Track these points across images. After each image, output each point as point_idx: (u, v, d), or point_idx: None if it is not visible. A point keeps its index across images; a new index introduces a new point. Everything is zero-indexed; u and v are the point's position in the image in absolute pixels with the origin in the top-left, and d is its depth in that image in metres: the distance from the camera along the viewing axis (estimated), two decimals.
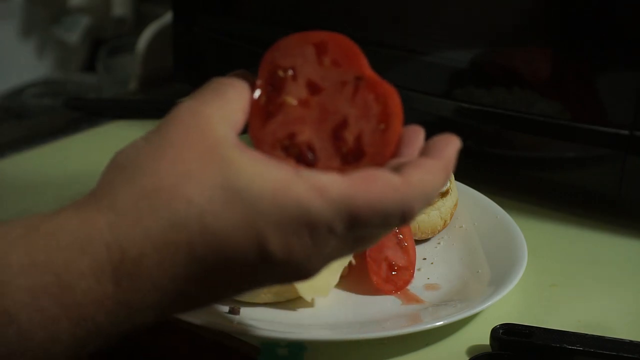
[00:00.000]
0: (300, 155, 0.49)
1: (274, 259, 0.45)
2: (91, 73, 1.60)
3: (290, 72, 0.50)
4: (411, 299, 0.70)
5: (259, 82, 0.50)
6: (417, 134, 0.51)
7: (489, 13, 0.85)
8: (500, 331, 0.65)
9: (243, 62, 1.01)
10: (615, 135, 0.78)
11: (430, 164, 0.48)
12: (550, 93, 0.82)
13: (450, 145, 0.50)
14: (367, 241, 0.49)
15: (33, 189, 0.88)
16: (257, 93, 0.49)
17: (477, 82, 0.85)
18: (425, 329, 0.65)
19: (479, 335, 0.67)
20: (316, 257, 0.46)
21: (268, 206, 0.44)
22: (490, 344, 0.65)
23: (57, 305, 0.42)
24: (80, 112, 1.05)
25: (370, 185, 0.45)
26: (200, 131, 0.46)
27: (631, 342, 0.64)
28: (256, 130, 0.49)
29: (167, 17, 1.12)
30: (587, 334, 0.65)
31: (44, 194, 0.87)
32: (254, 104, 0.49)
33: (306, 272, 0.47)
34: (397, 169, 0.47)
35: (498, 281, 0.70)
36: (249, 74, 0.50)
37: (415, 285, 0.72)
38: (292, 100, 0.50)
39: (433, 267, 0.75)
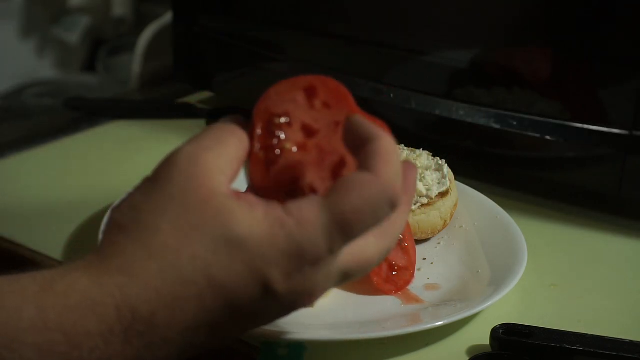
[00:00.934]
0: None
1: (279, 296, 0.47)
2: (91, 73, 1.60)
3: (285, 119, 0.51)
4: (411, 299, 0.70)
5: (257, 131, 0.50)
6: (410, 172, 0.53)
7: (489, 13, 0.85)
8: (500, 331, 0.65)
9: (243, 62, 1.01)
10: (615, 135, 0.78)
11: (377, 145, 0.49)
12: (550, 93, 0.82)
13: (370, 124, 0.50)
14: (373, 258, 0.51)
15: (33, 189, 0.88)
16: (257, 146, 0.50)
17: (477, 82, 0.85)
18: (425, 329, 0.65)
19: (479, 335, 0.67)
20: (322, 280, 0.48)
21: (268, 250, 0.46)
22: (490, 344, 0.65)
23: None
24: (80, 112, 1.05)
25: (349, 192, 0.47)
26: (198, 182, 0.47)
27: (631, 342, 0.64)
28: (260, 180, 0.50)
29: (167, 17, 1.12)
30: (587, 334, 0.65)
31: (44, 194, 0.87)
32: (254, 155, 0.50)
33: (312, 295, 0.48)
34: (362, 167, 0.49)
35: (498, 281, 0.70)
36: (244, 119, 0.51)
37: (415, 285, 0.72)
38: (291, 146, 0.51)
39: (433, 267, 0.75)
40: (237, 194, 0.48)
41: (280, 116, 0.51)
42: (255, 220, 0.46)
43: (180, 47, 1.05)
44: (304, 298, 0.48)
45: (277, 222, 0.46)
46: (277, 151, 0.50)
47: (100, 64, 1.46)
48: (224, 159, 0.48)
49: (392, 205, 0.48)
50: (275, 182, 0.50)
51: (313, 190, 0.50)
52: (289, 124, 0.51)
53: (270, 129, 0.51)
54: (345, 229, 0.47)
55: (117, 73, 1.44)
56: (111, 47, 1.46)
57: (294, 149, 0.51)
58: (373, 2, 0.90)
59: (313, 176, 0.51)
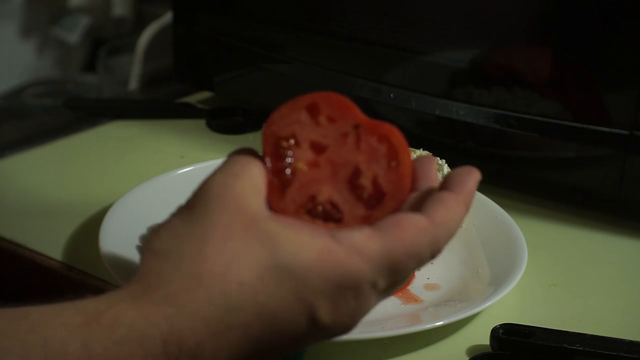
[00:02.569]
0: (326, 214, 0.50)
1: (322, 325, 0.46)
2: (91, 73, 1.60)
3: (292, 141, 0.51)
4: (411, 298, 0.71)
5: (266, 159, 0.51)
6: (429, 164, 0.52)
7: (489, 13, 0.85)
8: (500, 331, 0.65)
9: (243, 62, 1.01)
10: (615, 135, 0.78)
11: (451, 199, 0.49)
12: (550, 93, 0.82)
13: (471, 178, 0.51)
14: (401, 283, 0.50)
15: (33, 189, 0.88)
16: (269, 172, 0.50)
17: (477, 82, 0.85)
18: (425, 329, 0.65)
19: (479, 335, 0.67)
20: (359, 313, 0.48)
21: (315, 278, 0.45)
22: (490, 344, 0.65)
23: None
24: (80, 112, 1.05)
25: (403, 234, 0.47)
26: (237, 207, 0.47)
27: (631, 342, 0.64)
28: (277, 203, 0.50)
29: (167, 17, 1.12)
30: (587, 334, 0.65)
31: (44, 194, 0.87)
32: (268, 181, 0.50)
33: (348, 328, 0.48)
34: (419, 207, 0.49)
35: (498, 281, 0.70)
36: (255, 150, 0.51)
37: (415, 285, 0.72)
38: (302, 166, 0.51)
39: (433, 267, 0.75)
40: (278, 216, 0.47)
41: (287, 139, 0.51)
42: (302, 245, 0.46)
43: (180, 47, 1.05)
44: (343, 329, 0.48)
45: (325, 249, 0.46)
46: (289, 173, 0.51)
47: (100, 64, 1.46)
48: (254, 183, 0.48)
49: (433, 256, 0.49)
50: (293, 203, 0.50)
51: (333, 204, 0.51)
52: (297, 145, 0.51)
53: (279, 152, 0.51)
54: (392, 269, 0.47)
55: (117, 73, 1.43)
56: (111, 47, 1.45)
57: (306, 168, 0.51)
58: (373, 2, 0.90)
59: (330, 190, 0.51)
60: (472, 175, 0.51)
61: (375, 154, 0.51)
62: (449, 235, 0.49)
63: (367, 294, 0.47)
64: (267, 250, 0.45)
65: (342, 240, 0.46)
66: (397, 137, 0.51)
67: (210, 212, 0.46)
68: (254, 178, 0.48)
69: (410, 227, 0.47)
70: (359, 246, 0.46)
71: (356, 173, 0.51)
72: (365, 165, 0.51)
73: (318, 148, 0.51)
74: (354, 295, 0.46)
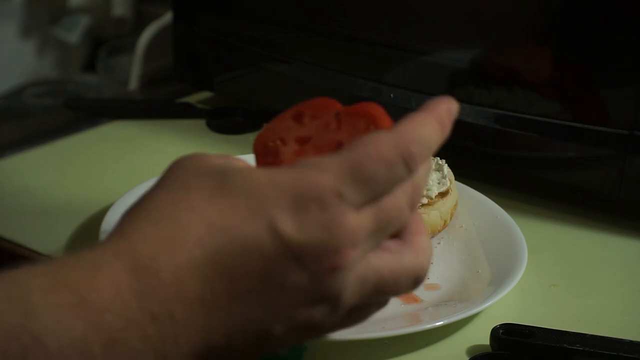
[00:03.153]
0: None
1: (290, 240, 0.44)
2: (91, 73, 1.60)
3: (279, 142, 0.53)
4: (411, 298, 0.71)
5: (257, 159, 0.52)
6: None
7: (489, 13, 0.85)
8: (500, 331, 0.65)
9: (243, 62, 1.01)
10: (615, 135, 0.78)
11: (419, 114, 0.48)
12: (550, 93, 0.82)
13: (444, 102, 0.49)
14: (395, 218, 0.47)
15: (33, 189, 0.88)
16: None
17: (477, 82, 0.85)
18: (425, 329, 0.65)
19: (479, 335, 0.67)
20: (334, 226, 0.44)
21: (266, 190, 0.45)
22: (490, 344, 0.65)
23: (83, 323, 0.42)
24: (80, 112, 1.05)
25: (363, 144, 0.46)
26: (198, 163, 0.47)
27: (631, 342, 0.64)
28: None
29: (167, 17, 1.12)
30: (587, 334, 0.65)
31: (44, 194, 0.87)
32: None
33: (326, 243, 0.44)
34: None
35: (498, 281, 0.70)
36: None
37: None
38: (289, 155, 0.52)
39: (433, 267, 0.75)
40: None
41: (274, 140, 0.53)
42: (253, 171, 0.46)
43: (180, 47, 1.05)
44: (319, 244, 0.44)
45: (278, 170, 0.46)
46: (277, 162, 0.52)
47: (100, 64, 1.46)
48: (225, 157, 0.48)
49: (408, 167, 0.46)
50: None
51: None
52: (284, 144, 0.52)
53: (267, 151, 0.52)
54: (356, 176, 0.45)
55: (117, 73, 1.44)
56: (111, 47, 1.45)
57: (292, 156, 0.52)
58: (373, 2, 0.90)
59: None
60: (446, 100, 0.49)
61: (356, 127, 0.51)
62: (420, 143, 0.47)
63: (335, 205, 0.44)
64: (217, 178, 0.45)
65: (298, 163, 0.46)
66: (375, 108, 0.51)
67: (172, 173, 0.47)
68: (226, 156, 0.48)
69: (371, 139, 0.46)
70: (315, 162, 0.46)
71: (339, 147, 0.51)
72: (347, 139, 0.51)
73: (303, 140, 0.52)
74: (320, 207, 0.44)
